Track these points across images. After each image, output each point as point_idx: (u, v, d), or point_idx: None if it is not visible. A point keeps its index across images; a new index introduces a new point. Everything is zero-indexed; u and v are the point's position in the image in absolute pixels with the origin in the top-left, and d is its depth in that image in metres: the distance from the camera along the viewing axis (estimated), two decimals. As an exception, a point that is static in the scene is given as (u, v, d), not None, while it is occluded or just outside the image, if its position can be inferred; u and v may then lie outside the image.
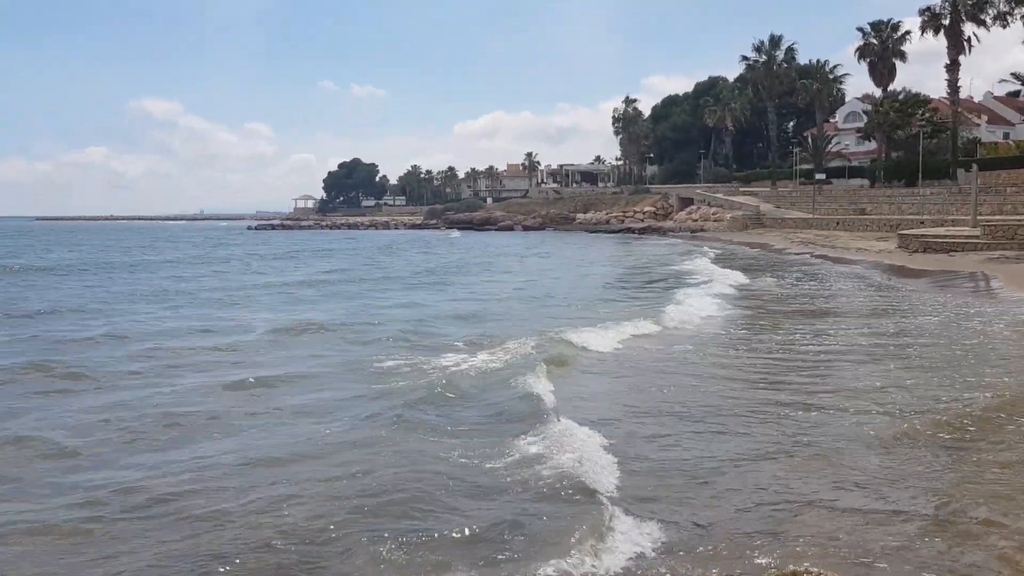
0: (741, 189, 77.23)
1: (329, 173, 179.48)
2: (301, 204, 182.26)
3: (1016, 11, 52.93)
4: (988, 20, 55.74)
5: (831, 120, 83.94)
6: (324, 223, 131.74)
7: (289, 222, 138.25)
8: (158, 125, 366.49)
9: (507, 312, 20.39)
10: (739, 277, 28.15)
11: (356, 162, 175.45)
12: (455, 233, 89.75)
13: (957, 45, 57.48)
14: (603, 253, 50.11)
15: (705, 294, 22.61)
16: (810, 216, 58.80)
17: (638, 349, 14.30)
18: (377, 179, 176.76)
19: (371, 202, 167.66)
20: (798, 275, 29.22)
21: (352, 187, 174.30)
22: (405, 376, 11.73)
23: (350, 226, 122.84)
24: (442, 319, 18.73)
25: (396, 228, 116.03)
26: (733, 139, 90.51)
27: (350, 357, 13.46)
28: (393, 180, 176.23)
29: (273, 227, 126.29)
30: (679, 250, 47.88)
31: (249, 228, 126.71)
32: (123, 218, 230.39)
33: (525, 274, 34.03)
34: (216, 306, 22.12)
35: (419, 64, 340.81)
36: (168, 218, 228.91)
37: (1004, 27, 53.29)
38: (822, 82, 79.04)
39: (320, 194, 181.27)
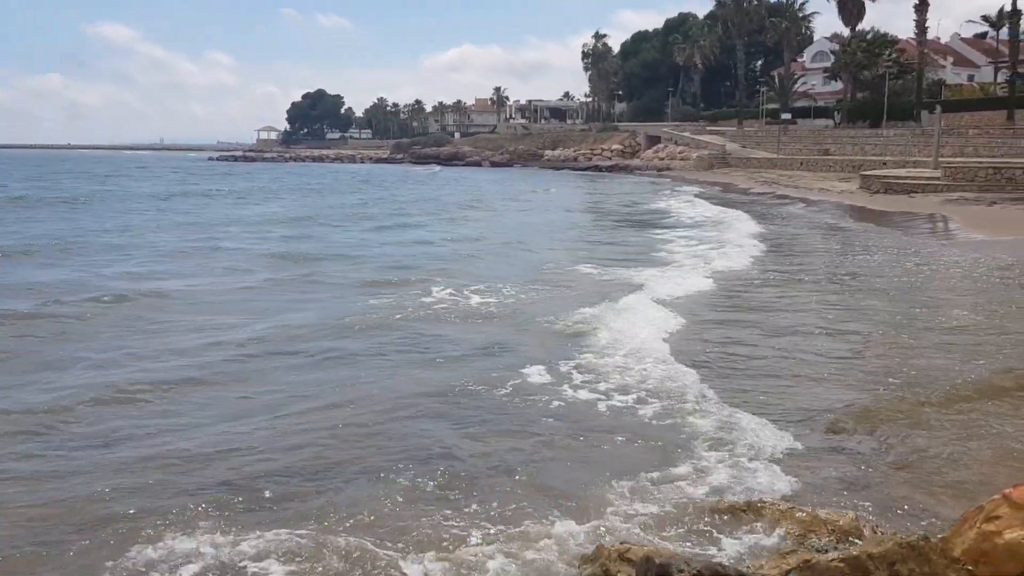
0: (708, 128, 77.25)
1: (293, 104, 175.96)
2: (264, 135, 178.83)
3: (986, -48, 52.57)
4: (959, -40, 55.52)
5: (799, 59, 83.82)
6: (288, 155, 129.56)
7: (252, 153, 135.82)
8: (115, 52, 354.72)
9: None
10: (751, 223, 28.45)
11: (321, 93, 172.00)
12: (436, 168, 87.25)
13: (927, -16, 57.36)
14: (591, 190, 50.37)
15: (737, 235, 23.00)
16: (775, 156, 59.18)
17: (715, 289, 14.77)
18: (342, 111, 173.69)
19: (336, 135, 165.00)
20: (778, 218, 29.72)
21: (316, 119, 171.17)
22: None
23: (315, 159, 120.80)
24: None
25: (362, 162, 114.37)
26: (702, 77, 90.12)
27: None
28: (359, 113, 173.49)
29: (235, 159, 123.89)
30: (664, 189, 48.10)
31: (210, 159, 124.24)
32: (82, 147, 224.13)
33: (539, 210, 34.58)
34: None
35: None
36: (127, 148, 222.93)
37: (974, -33, 53.15)
38: (791, 20, 78.77)
39: (284, 125, 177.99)
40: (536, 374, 8.85)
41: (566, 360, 9.34)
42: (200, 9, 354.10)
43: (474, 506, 5.69)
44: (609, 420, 7.49)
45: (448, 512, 5.60)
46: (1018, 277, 14.75)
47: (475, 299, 13.26)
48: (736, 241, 21.61)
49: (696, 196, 40.37)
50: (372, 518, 5.53)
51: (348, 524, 5.43)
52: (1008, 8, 51.55)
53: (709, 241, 21.72)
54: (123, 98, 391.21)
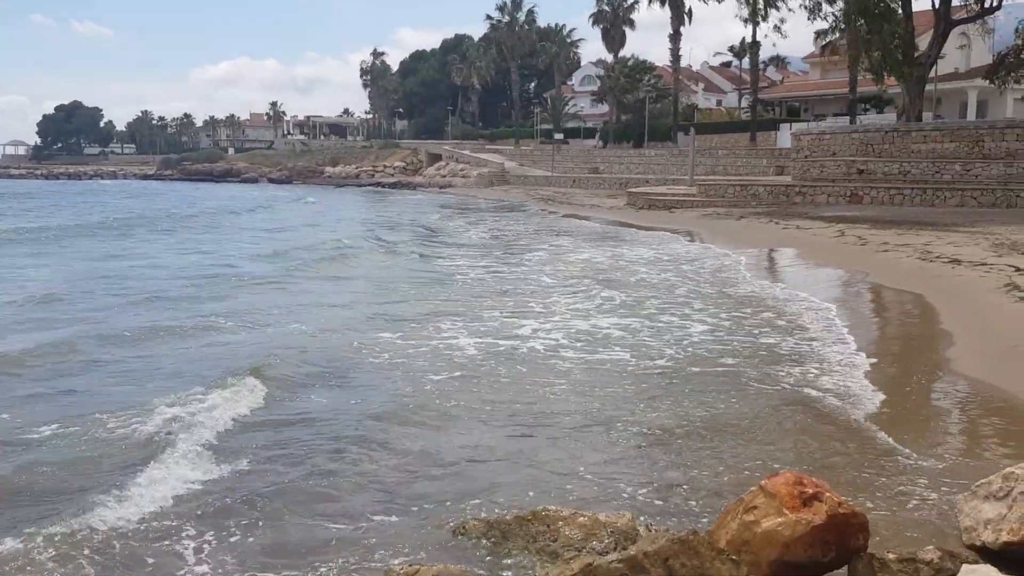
0: (487, 147, 79.36)
1: (45, 117, 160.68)
2: (11, 151, 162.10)
3: (730, -12, 57.93)
4: (706, -5, 60.69)
5: (568, 83, 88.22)
6: (39, 172, 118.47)
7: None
8: None
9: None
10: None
11: (77, 105, 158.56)
12: (309, 196, 67.09)
13: (679, 16, 62.26)
14: (404, 209, 47.25)
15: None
16: (550, 174, 61.74)
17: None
18: (102, 125, 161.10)
19: (95, 150, 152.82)
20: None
21: (73, 133, 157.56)
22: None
23: (71, 176, 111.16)
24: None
25: (125, 178, 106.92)
26: (480, 97, 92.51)
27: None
28: (121, 127, 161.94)
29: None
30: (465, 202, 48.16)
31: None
32: None
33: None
34: None
35: (148, 1, 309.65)
36: None
37: (720, 1, 58.46)
38: (560, 45, 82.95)
39: (35, 140, 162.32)
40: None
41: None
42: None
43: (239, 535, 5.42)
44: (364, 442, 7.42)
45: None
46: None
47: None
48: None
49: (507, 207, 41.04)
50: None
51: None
52: (748, 40, 57.05)
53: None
54: None
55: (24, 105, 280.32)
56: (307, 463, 6.81)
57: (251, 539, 5.47)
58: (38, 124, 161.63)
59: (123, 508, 5.81)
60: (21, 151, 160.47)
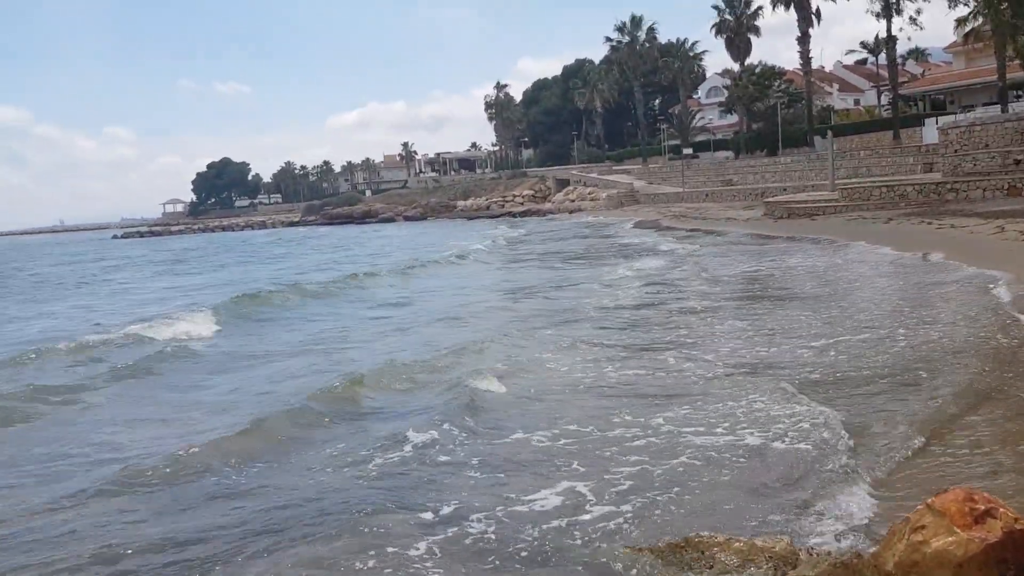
0: (614, 168, 79.16)
1: (198, 174, 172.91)
2: (170, 208, 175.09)
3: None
4: (834, -8, 58.72)
5: (694, 96, 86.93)
6: (196, 226, 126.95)
7: (158, 228, 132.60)
8: (8, 134, 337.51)
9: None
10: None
11: (226, 161, 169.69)
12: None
13: (806, 18, 60.32)
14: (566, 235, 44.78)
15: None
16: (681, 190, 60.84)
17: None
18: (250, 178, 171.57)
19: (245, 202, 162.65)
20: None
21: (224, 188, 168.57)
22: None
23: (224, 228, 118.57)
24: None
25: (273, 227, 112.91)
26: (603, 119, 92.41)
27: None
28: (267, 178, 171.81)
29: (142, 234, 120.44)
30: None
31: (115, 237, 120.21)
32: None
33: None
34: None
35: (282, 58, 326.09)
36: (25, 232, 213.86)
37: (849, -1, 56.19)
38: (683, 60, 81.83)
39: (190, 197, 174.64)
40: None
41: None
42: (94, 85, 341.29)
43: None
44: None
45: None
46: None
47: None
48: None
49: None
50: None
51: None
52: (883, 35, 54.51)
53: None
54: (17, 181, 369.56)
55: (179, 165, 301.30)
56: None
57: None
58: (192, 181, 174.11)
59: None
60: (179, 208, 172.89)
